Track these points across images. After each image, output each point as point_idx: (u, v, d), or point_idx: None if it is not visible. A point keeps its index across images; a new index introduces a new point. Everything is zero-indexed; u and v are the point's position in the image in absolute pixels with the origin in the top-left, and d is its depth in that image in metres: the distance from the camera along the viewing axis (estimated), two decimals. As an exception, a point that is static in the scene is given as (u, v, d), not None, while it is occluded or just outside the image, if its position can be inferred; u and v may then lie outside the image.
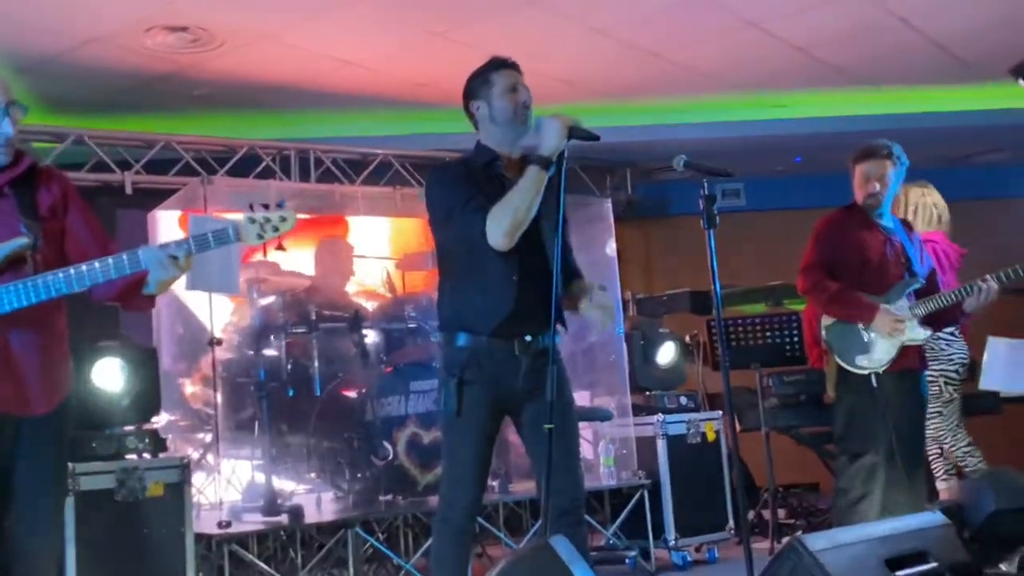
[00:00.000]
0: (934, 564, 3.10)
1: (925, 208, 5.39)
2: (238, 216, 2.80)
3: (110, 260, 2.74)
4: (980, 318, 4.55)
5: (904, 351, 4.31)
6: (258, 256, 5.62)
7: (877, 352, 4.30)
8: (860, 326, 4.32)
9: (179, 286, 3.80)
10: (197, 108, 6.71)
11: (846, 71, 6.93)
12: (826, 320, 4.45)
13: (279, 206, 2.82)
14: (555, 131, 3.08)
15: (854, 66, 6.84)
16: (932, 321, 4.36)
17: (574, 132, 3.10)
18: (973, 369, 5.43)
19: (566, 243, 3.31)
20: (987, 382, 4.93)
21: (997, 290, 4.19)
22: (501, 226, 3.06)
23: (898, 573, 3.00)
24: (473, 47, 5.65)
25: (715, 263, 3.57)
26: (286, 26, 5.57)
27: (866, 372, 4.30)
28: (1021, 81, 4.84)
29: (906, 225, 4.59)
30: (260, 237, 2.80)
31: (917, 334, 4.29)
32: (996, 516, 3.39)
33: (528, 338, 3.16)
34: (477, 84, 3.31)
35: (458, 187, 3.19)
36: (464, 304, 3.21)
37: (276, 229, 2.80)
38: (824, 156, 8.48)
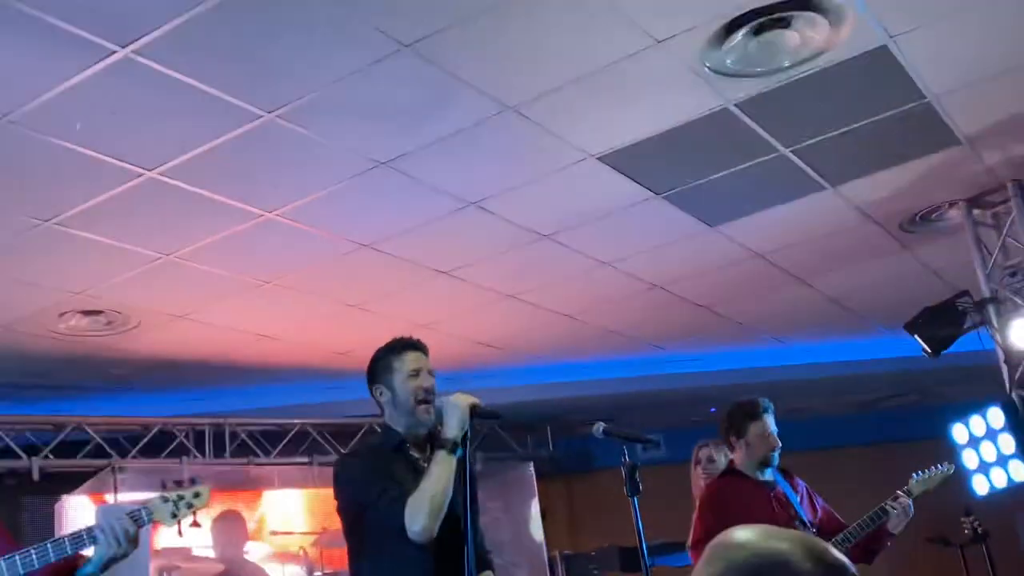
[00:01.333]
0: None
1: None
2: (151, 496, 2.77)
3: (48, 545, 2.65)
4: (898, 566, 4.54)
5: None
6: (163, 542, 5.40)
7: None
8: None
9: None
10: (111, 388, 6.63)
11: (748, 326, 7.21)
12: None
13: (192, 482, 2.79)
14: (458, 414, 3.08)
15: (754, 321, 7.12)
16: (859, 555, 4.35)
17: (476, 411, 3.10)
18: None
19: (478, 526, 3.25)
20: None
21: (909, 501, 4.27)
22: (421, 518, 2.99)
23: None
24: (391, 317, 5.76)
25: (641, 534, 3.53)
26: (200, 306, 5.63)
27: None
28: (918, 338, 5.06)
29: (786, 474, 4.62)
30: (174, 516, 2.77)
31: None
32: None
33: None
34: (379, 369, 3.29)
35: (369, 480, 3.12)
36: None
37: (190, 506, 2.77)
38: (738, 405, 8.67)
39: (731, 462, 4.53)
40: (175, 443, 6.49)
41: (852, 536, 4.31)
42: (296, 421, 6.93)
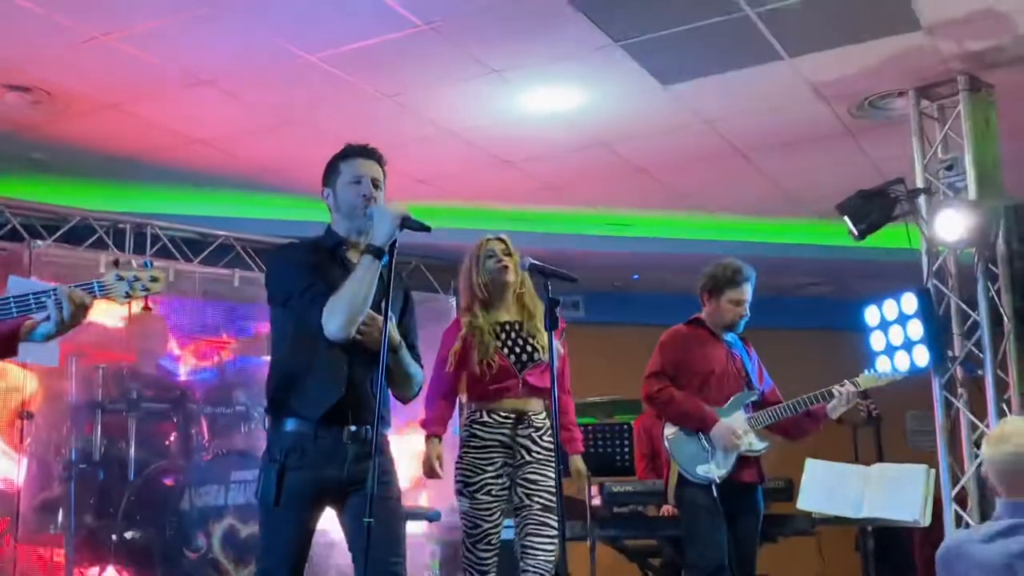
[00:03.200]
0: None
1: None
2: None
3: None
4: (800, 441, 4.75)
5: (743, 463, 4.46)
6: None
7: (717, 462, 4.42)
8: (700, 435, 4.45)
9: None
10: (31, 171, 6.43)
11: (685, 196, 7.26)
12: (669, 429, 4.56)
13: (146, 266, 2.70)
14: (387, 221, 3.08)
15: (693, 191, 7.17)
16: (792, 431, 4.54)
17: (406, 222, 3.09)
18: (790, 489, 5.62)
19: (409, 335, 3.30)
20: (804, 502, 5.08)
21: (855, 391, 4.41)
22: (337, 318, 3.02)
23: None
24: (325, 135, 5.65)
25: (553, 363, 3.61)
26: (134, 98, 5.43)
27: (706, 482, 4.40)
28: (847, 219, 5.15)
29: (745, 341, 4.77)
30: (128, 296, 2.67)
31: (755, 445, 4.46)
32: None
33: (354, 428, 3.10)
34: (328, 172, 3.32)
35: (300, 271, 3.15)
36: (293, 388, 3.13)
37: (146, 288, 2.68)
38: (660, 276, 8.81)
39: (699, 315, 4.66)
40: (94, 238, 6.36)
41: (790, 409, 4.49)
42: (220, 232, 6.83)
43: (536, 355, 4.19)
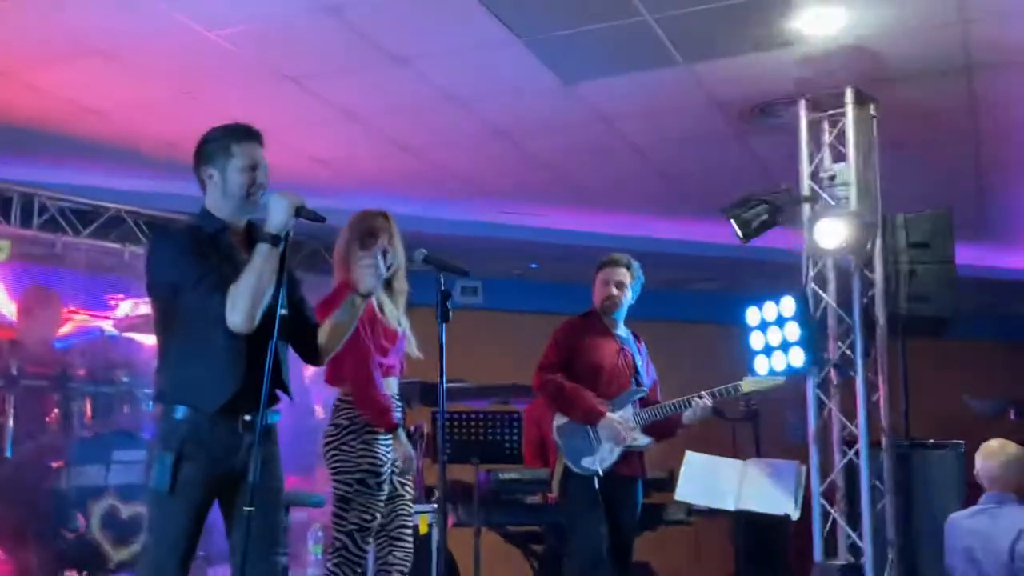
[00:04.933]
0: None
1: None
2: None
3: None
4: (684, 433, 4.91)
5: (626, 457, 4.58)
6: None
7: (601, 455, 4.53)
8: (588, 428, 4.55)
9: None
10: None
11: (584, 191, 7.38)
12: (558, 420, 4.65)
13: None
14: (283, 209, 3.04)
15: (591, 186, 7.29)
16: (653, 432, 4.66)
17: (301, 212, 3.08)
18: (670, 480, 5.79)
19: (305, 312, 3.30)
20: (682, 494, 5.24)
21: (710, 406, 4.56)
22: (242, 310, 2.99)
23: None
24: (226, 113, 5.57)
25: (444, 356, 3.66)
26: (26, 65, 5.27)
27: (589, 474, 4.50)
28: (732, 221, 5.31)
29: (637, 338, 4.90)
30: None
31: (640, 441, 4.59)
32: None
33: (248, 417, 3.07)
34: (214, 150, 3.18)
35: (186, 261, 3.08)
36: (187, 377, 3.09)
37: None
38: (558, 265, 8.94)
39: (593, 307, 4.77)
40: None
41: (659, 412, 4.63)
42: (112, 205, 6.67)
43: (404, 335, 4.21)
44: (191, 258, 3.08)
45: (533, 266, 9.39)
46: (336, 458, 3.97)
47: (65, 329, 5.98)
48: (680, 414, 4.62)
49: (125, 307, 6.31)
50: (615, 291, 4.71)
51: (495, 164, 6.82)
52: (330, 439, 3.98)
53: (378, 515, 3.99)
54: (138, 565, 3.10)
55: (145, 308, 6.08)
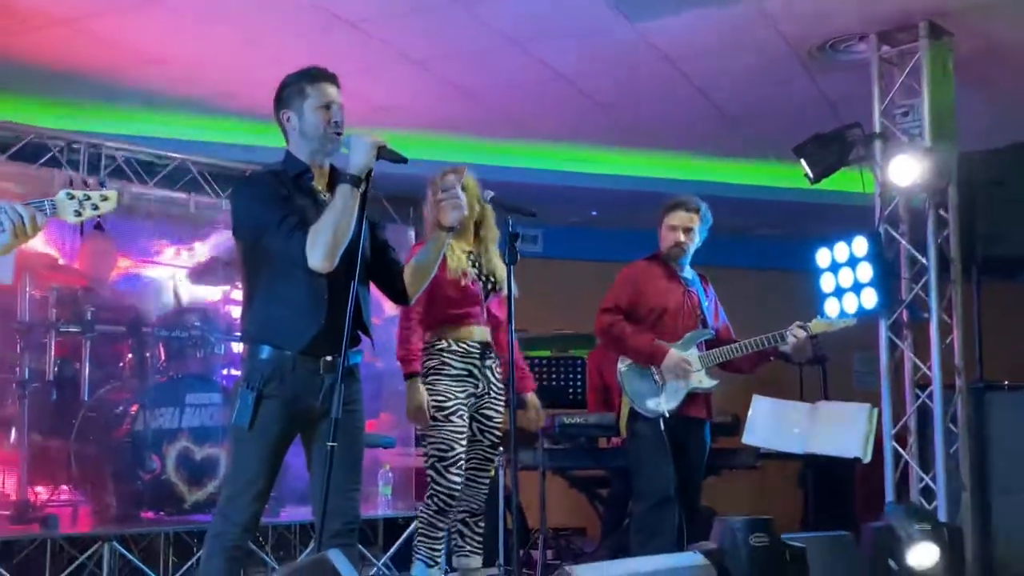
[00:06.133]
0: (692, 602, 3.25)
1: None
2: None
3: None
4: (745, 376, 4.86)
5: (692, 399, 4.55)
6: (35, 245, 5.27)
7: (666, 396, 4.51)
8: (652, 370, 4.53)
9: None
10: (-19, 90, 6.29)
11: (646, 133, 7.28)
12: (622, 363, 4.63)
13: (100, 184, 2.71)
14: (365, 149, 3.06)
15: (653, 129, 7.19)
16: (729, 369, 4.63)
17: (383, 152, 3.09)
18: (736, 424, 5.76)
19: (390, 255, 3.34)
20: (749, 438, 5.21)
21: (805, 336, 4.51)
22: (322, 249, 3.01)
23: (658, 608, 3.12)
24: (285, 60, 5.57)
25: (512, 297, 3.65)
26: (93, 14, 5.31)
27: (654, 415, 4.49)
28: (803, 161, 5.21)
29: (704, 279, 4.85)
30: (78, 214, 2.68)
31: (705, 382, 4.55)
32: (749, 558, 3.60)
33: (329, 357, 3.12)
34: (290, 93, 3.23)
35: (270, 203, 3.12)
36: (272, 318, 3.15)
37: (96, 208, 2.68)
38: (618, 212, 8.87)
39: (658, 250, 4.72)
40: (47, 156, 6.23)
41: (745, 348, 4.57)
42: (177, 155, 6.72)
43: (494, 286, 4.24)
44: (274, 201, 3.12)
45: (593, 213, 9.32)
46: None
47: (135, 277, 6.07)
48: (775, 348, 4.54)
49: (195, 255, 6.38)
50: (682, 237, 4.63)
51: (557, 108, 6.75)
52: None
53: (456, 446, 4.07)
54: (219, 497, 3.16)
55: (211, 256, 6.17)
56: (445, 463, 4.07)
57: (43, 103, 6.59)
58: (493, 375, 4.24)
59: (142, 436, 4.83)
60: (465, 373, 4.15)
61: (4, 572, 4.53)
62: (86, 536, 4.78)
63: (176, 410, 4.94)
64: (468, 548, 4.24)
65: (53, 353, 5.08)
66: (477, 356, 4.18)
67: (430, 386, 4.12)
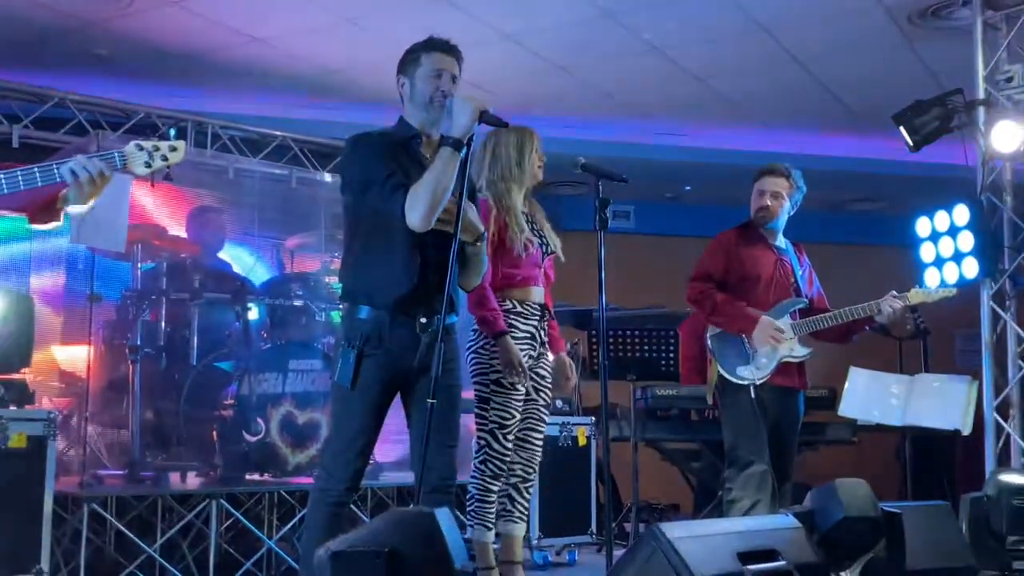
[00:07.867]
0: (783, 562, 3.24)
1: None
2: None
3: (18, 172, 2.65)
4: (842, 349, 4.79)
5: (784, 367, 4.49)
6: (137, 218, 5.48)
7: (757, 363, 4.46)
8: (743, 337, 4.49)
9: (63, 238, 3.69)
10: (95, 68, 6.55)
11: (740, 106, 7.22)
12: (712, 330, 4.60)
13: (168, 136, 2.80)
14: (467, 113, 3.13)
15: (748, 101, 7.12)
16: (825, 337, 4.56)
17: (484, 116, 3.16)
18: (832, 397, 5.70)
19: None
20: (846, 409, 5.16)
21: (903, 308, 4.39)
22: (420, 207, 3.09)
23: (749, 567, 3.12)
24: (386, 39, 5.69)
25: (602, 266, 3.68)
26: (195, -7, 5.52)
27: (746, 383, 4.45)
28: (903, 129, 5.11)
29: (798, 248, 4.78)
30: (148, 165, 2.73)
31: (797, 351, 4.49)
32: (843, 523, 3.56)
33: (424, 319, 3.20)
34: (408, 60, 3.35)
35: (380, 160, 3.21)
36: (367, 276, 3.25)
37: (165, 158, 2.74)
38: (712, 187, 8.80)
39: (750, 219, 4.66)
40: (157, 135, 6.49)
41: (840, 317, 4.47)
42: (279, 133, 6.92)
43: (548, 247, 4.23)
44: (382, 159, 3.22)
45: (687, 188, 9.27)
46: (474, 360, 4.06)
47: (239, 247, 6.27)
48: (871, 318, 4.45)
49: (296, 227, 6.54)
50: (769, 202, 4.55)
51: (650, 81, 6.74)
52: (469, 343, 4.09)
53: (516, 414, 4.03)
54: (322, 455, 3.28)
55: (312, 229, 6.32)
56: (505, 430, 4.01)
57: (150, 83, 6.84)
58: (546, 334, 4.23)
59: (247, 400, 5.00)
60: (528, 335, 4.09)
61: (120, 527, 4.76)
62: (195, 493, 4.97)
63: (280, 375, 5.09)
64: (516, 514, 4.19)
65: (164, 320, 5.29)
66: (537, 318, 4.16)
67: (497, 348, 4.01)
